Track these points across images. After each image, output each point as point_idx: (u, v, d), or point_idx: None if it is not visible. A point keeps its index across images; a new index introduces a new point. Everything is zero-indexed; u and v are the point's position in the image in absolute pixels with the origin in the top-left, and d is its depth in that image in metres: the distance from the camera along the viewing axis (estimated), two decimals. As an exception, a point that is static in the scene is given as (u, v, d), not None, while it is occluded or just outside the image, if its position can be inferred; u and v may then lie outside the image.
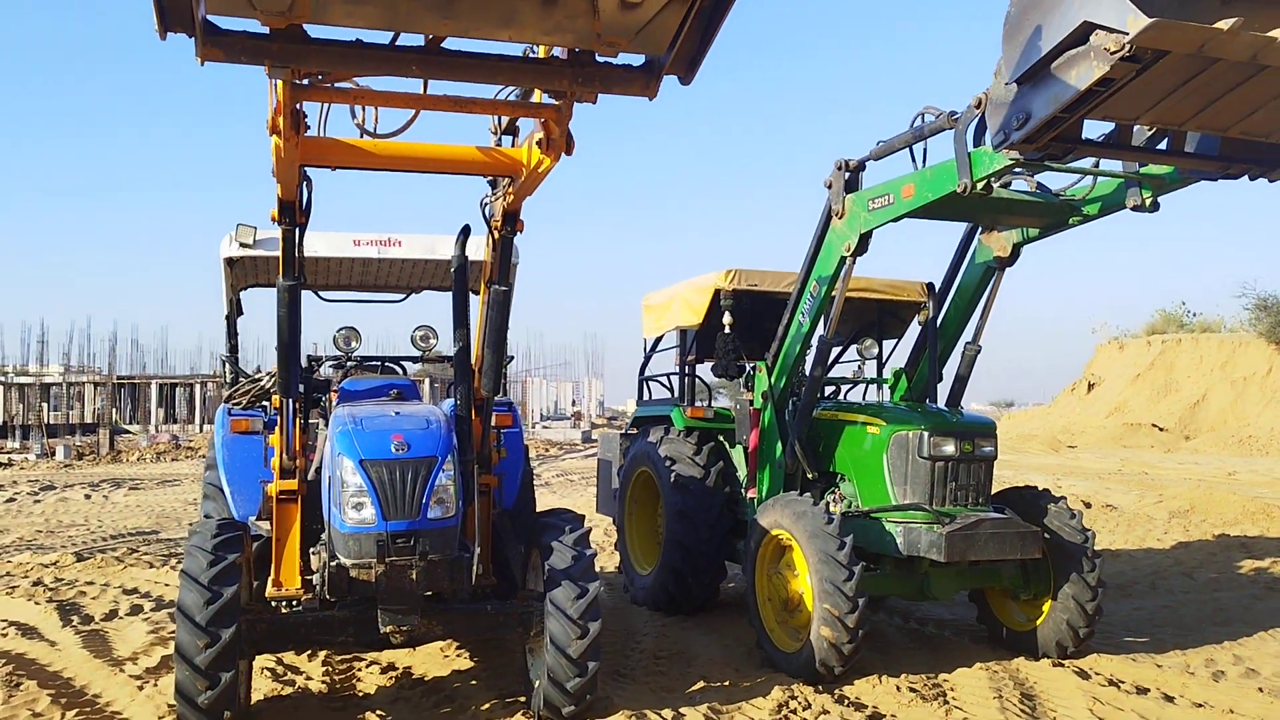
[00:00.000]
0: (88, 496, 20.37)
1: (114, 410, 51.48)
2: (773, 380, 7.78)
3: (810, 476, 7.65)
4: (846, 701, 6.19)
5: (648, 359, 9.79)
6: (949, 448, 6.93)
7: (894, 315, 9.04)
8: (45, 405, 51.84)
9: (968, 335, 7.76)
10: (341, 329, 6.91)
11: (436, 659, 7.18)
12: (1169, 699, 6.24)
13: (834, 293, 7.14)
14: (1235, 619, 8.53)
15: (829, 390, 8.77)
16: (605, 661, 7.05)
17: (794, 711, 5.96)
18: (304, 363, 7.09)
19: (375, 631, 5.58)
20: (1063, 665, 6.92)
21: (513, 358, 8.60)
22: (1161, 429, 36.51)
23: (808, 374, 7.44)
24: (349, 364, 7.25)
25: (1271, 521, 14.16)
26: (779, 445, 7.70)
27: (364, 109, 4.90)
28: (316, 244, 7.28)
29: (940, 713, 5.94)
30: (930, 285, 8.07)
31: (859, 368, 8.60)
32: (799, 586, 6.79)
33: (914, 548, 6.75)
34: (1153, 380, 40.88)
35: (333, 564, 5.38)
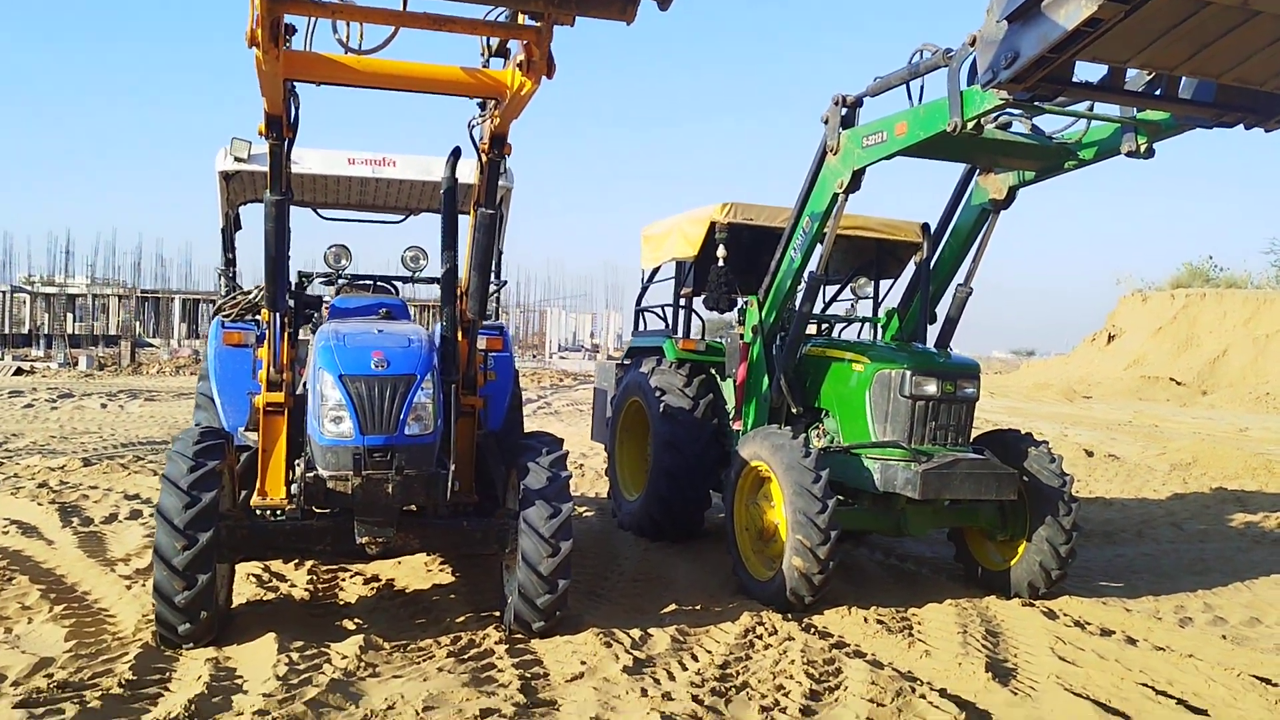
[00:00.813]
0: (104, 406, 20.75)
1: (137, 323, 52.42)
2: (763, 315, 7.81)
3: (795, 411, 7.72)
4: (813, 630, 6.32)
5: (644, 290, 9.84)
6: (930, 387, 6.97)
7: (891, 255, 9.02)
8: (70, 316, 52.58)
9: (960, 278, 7.76)
10: (332, 246, 6.98)
11: (419, 572, 7.37)
12: (1131, 641, 6.34)
13: (826, 229, 7.14)
14: (1214, 569, 8.60)
15: (823, 328, 8.79)
16: (583, 582, 7.26)
17: (759, 637, 6.10)
18: (294, 279, 7.20)
19: (352, 542, 5.73)
20: (1032, 605, 7.03)
21: (504, 283, 8.65)
22: (1179, 383, 36.35)
23: (797, 310, 7.46)
24: (339, 281, 7.32)
25: (1272, 477, 14.16)
26: (766, 379, 7.76)
27: (346, 25, 4.91)
28: (312, 161, 7.32)
29: (904, 644, 6.06)
30: (926, 226, 8.04)
31: (852, 306, 8.61)
32: (774, 517, 6.90)
33: (890, 484, 6.84)
34: (1174, 334, 40.60)
35: (309, 475, 5.51)
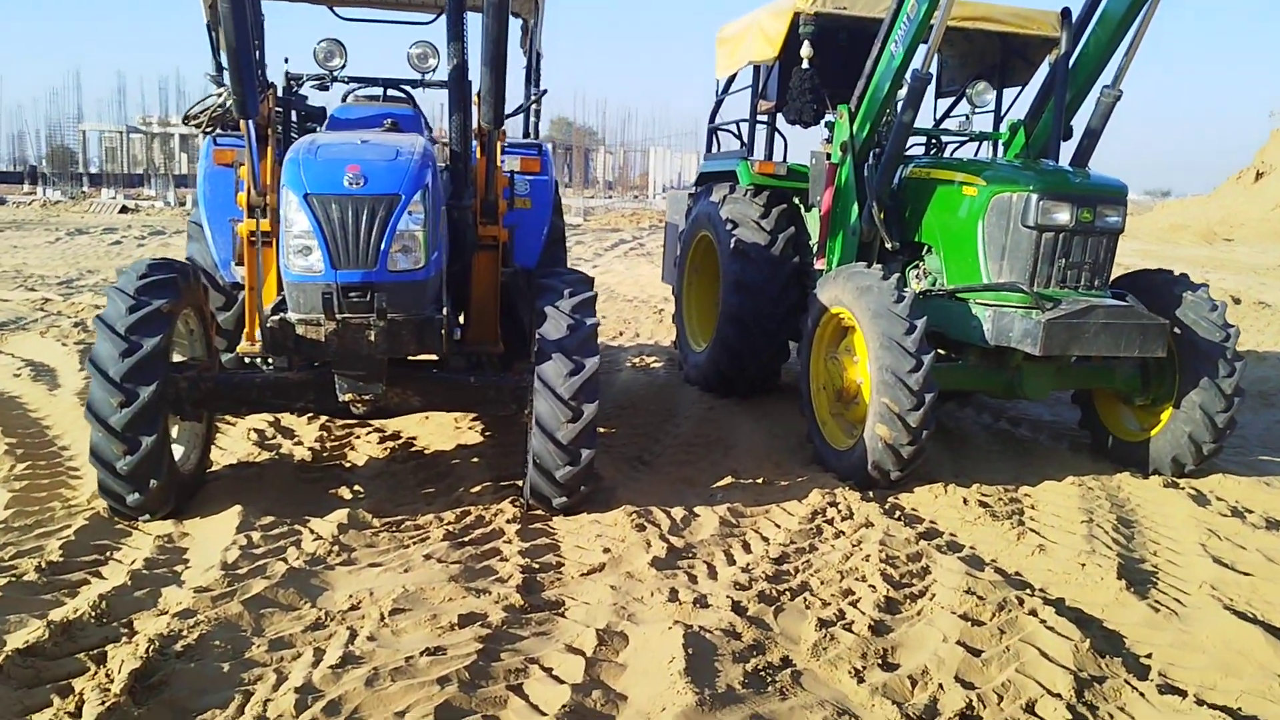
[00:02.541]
0: (186, 243, 20.32)
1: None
2: (855, 128, 6.39)
3: (889, 247, 6.37)
4: (899, 514, 5.18)
5: (718, 104, 8.37)
6: (1062, 215, 5.53)
7: (1020, 55, 7.37)
8: (184, 156, 53.17)
9: (1107, 79, 6.17)
10: (322, 40, 5.77)
11: (445, 430, 6.43)
12: (1307, 538, 5.04)
13: (935, 17, 5.63)
14: (1403, 441, 7.10)
15: (931, 148, 7.31)
16: (629, 445, 6.26)
17: (830, 521, 4.98)
18: (282, 81, 6.07)
19: (336, 398, 4.77)
20: (1177, 486, 5.74)
21: (544, 91, 7.33)
22: (1335, 225, 32.98)
23: (896, 121, 6.01)
24: (341, 86, 6.16)
25: None
26: (855, 208, 6.40)
27: None
28: None
29: (1011, 535, 4.88)
30: (1065, 12, 6.37)
31: (967, 118, 7.06)
32: (857, 375, 5.69)
33: (1004, 336, 5.52)
34: (1333, 170, 36.76)
35: (275, 318, 4.50)
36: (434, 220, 4.70)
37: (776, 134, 7.86)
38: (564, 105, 64.01)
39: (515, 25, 7.05)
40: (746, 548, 4.62)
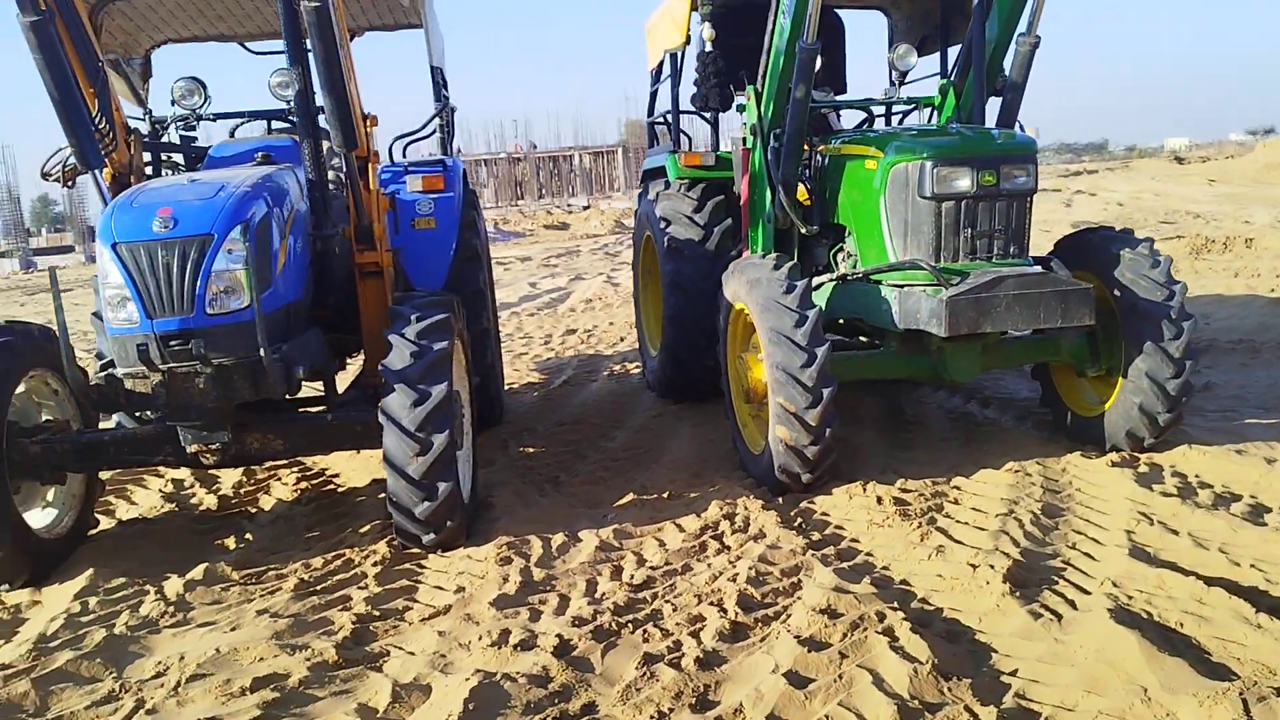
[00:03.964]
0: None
1: None
2: (761, 109, 6.00)
3: (804, 231, 5.95)
4: (803, 521, 4.78)
5: (652, 96, 8.03)
6: (961, 181, 5.05)
7: (957, 10, 6.84)
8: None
9: (1022, 26, 5.66)
10: (179, 80, 5.66)
11: (372, 464, 6.21)
12: (1259, 513, 4.48)
13: (813, -23, 5.22)
14: None
15: (865, 120, 6.85)
16: (556, 464, 5.98)
17: (719, 535, 4.62)
18: (146, 124, 5.98)
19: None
20: (1132, 463, 5.19)
21: (452, 107, 7.11)
22: None
23: (791, 96, 5.60)
24: (197, 123, 6.02)
25: None
26: (769, 193, 6.01)
27: None
28: None
29: (915, 536, 4.44)
30: (977, -41, 5.86)
31: (893, 83, 6.56)
32: (760, 373, 5.30)
33: (911, 318, 5.07)
34: None
35: (102, 375, 4.37)
36: (265, 256, 4.52)
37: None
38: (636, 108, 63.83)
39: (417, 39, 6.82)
40: (617, 573, 4.29)
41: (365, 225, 5.41)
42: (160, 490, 5.91)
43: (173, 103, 5.74)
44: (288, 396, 4.72)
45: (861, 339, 6.05)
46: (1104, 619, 3.46)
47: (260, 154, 5.57)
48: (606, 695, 3.29)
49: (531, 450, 6.35)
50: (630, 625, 3.76)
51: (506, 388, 8.43)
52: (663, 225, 6.92)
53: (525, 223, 33.29)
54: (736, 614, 3.75)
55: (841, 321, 5.93)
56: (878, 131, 5.65)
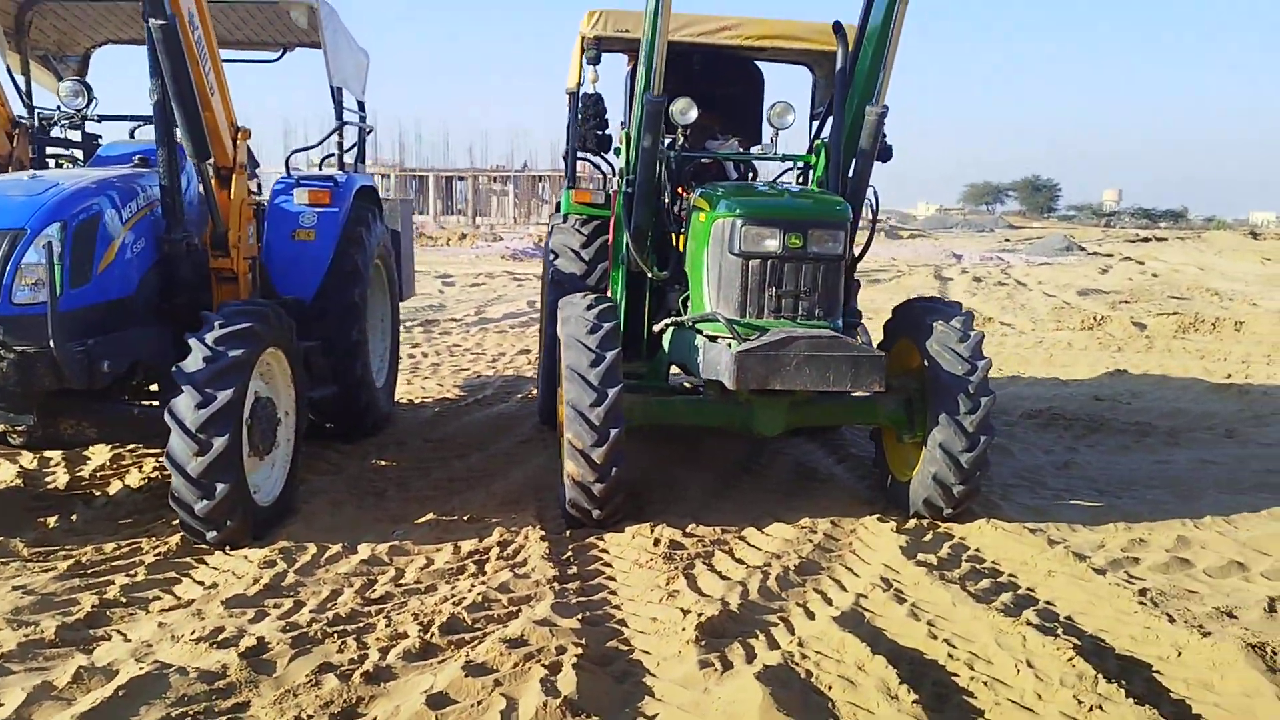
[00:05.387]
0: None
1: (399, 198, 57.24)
2: (628, 154, 6.20)
3: (650, 276, 6.12)
4: (571, 555, 4.93)
5: (568, 132, 8.24)
6: (770, 242, 5.19)
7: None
8: None
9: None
10: (66, 81, 6.03)
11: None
12: (1001, 590, 4.53)
13: (659, 29, 5.41)
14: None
15: (750, 174, 7.02)
16: (394, 479, 6.17)
17: (484, 560, 4.79)
18: (33, 122, 6.34)
19: (0, 430, 4.92)
20: (918, 532, 5.27)
21: (371, 129, 7.42)
22: None
23: (638, 146, 5.77)
24: (83, 123, 6.38)
25: None
26: (625, 237, 6.19)
27: None
28: None
29: (663, 579, 4.57)
30: (838, 26, 6.00)
31: (772, 141, 6.70)
32: (567, 409, 5.46)
33: (712, 369, 5.22)
34: None
35: None
36: (85, 253, 4.81)
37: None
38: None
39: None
40: (366, 586, 4.47)
41: (220, 233, 5.71)
42: (21, 466, 6.21)
43: (57, 105, 6.11)
44: (92, 386, 4.93)
45: (686, 384, 6.21)
46: (750, 675, 3.58)
47: (138, 157, 5.91)
48: (265, 697, 3.48)
49: (384, 463, 6.57)
50: (335, 635, 3.95)
51: (418, 401, 8.70)
52: (552, 257, 7.14)
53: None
54: (434, 635, 3.92)
55: None
56: (713, 187, 5.79)
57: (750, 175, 7.05)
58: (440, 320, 14.08)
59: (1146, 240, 42.08)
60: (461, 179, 62.36)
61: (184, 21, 5.04)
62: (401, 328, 12.90)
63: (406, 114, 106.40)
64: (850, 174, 5.94)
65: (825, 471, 6.58)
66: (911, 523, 5.41)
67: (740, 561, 4.84)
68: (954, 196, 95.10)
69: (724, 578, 4.62)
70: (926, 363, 5.32)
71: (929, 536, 5.23)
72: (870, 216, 6.19)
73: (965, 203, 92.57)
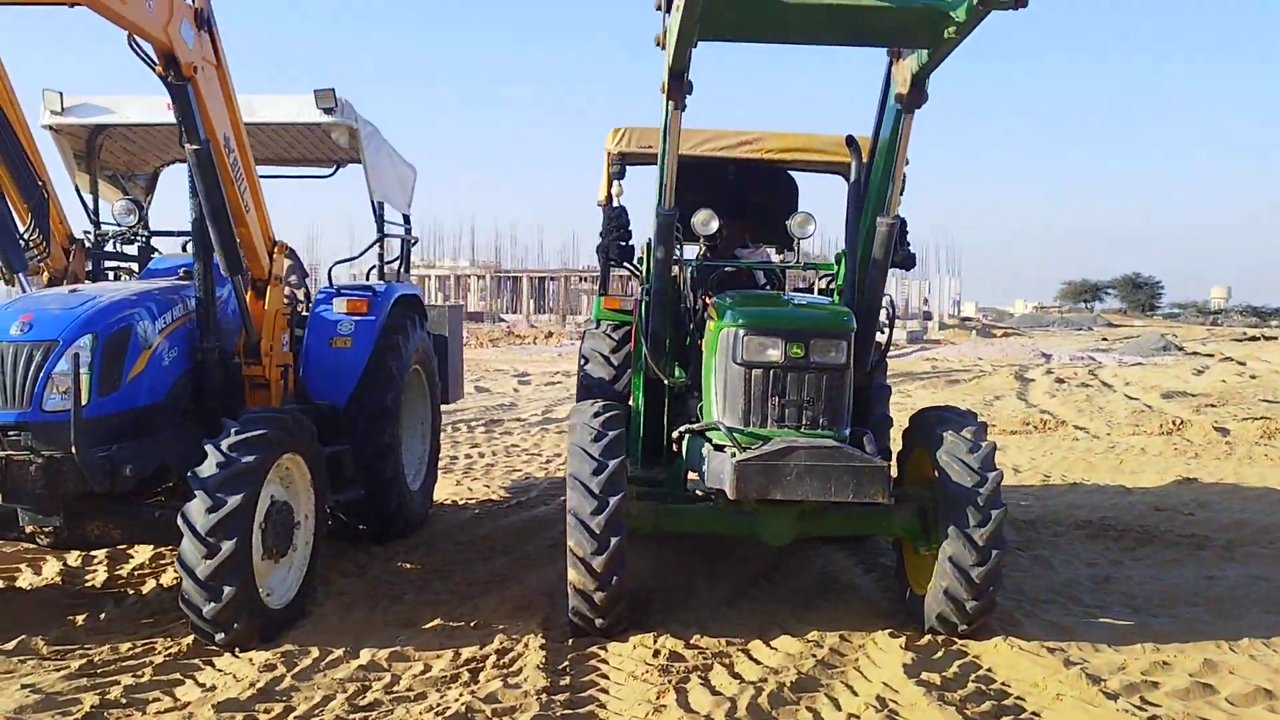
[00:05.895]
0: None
1: (497, 299, 61.68)
2: (647, 263, 6.33)
3: (667, 383, 6.18)
4: (568, 665, 4.91)
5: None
6: (772, 352, 5.22)
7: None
8: (439, 294, 58.98)
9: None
10: (120, 200, 6.46)
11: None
12: (1004, 713, 4.35)
13: (668, 146, 5.56)
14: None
15: (766, 281, 7.09)
16: (415, 582, 6.28)
17: (479, 669, 4.81)
18: (90, 238, 6.75)
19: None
20: (928, 649, 5.12)
21: (416, 240, 7.72)
22: None
23: (653, 257, 5.89)
24: (134, 239, 6.80)
25: None
26: (645, 343, 6.28)
27: None
28: (132, 111, 6.75)
29: (654, 693, 4.52)
30: (850, 139, 6.09)
31: (793, 249, 6.76)
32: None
33: (716, 477, 5.21)
34: None
35: None
36: (115, 363, 5.10)
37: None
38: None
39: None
40: (359, 692, 4.53)
41: (253, 341, 5.99)
42: (65, 564, 6.47)
43: (113, 220, 6.53)
44: (115, 490, 5.14)
45: (698, 492, 6.19)
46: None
47: (183, 270, 6.27)
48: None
49: (408, 566, 6.67)
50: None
51: (462, 502, 8.82)
52: (583, 361, 7.27)
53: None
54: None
55: None
56: (724, 296, 5.86)
57: (782, 284, 7.09)
58: (504, 420, 14.29)
59: (1254, 339, 40.59)
60: (553, 279, 64.60)
61: (218, 145, 5.38)
62: (466, 427, 13.33)
63: (503, 217, 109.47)
64: (866, 283, 5.94)
65: (847, 581, 6.45)
66: (925, 639, 5.26)
67: (737, 676, 4.76)
68: (1051, 294, 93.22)
69: (715, 693, 4.54)
70: (937, 473, 5.23)
71: (940, 654, 5.07)
72: (887, 323, 6.19)
73: (1063, 300, 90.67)
